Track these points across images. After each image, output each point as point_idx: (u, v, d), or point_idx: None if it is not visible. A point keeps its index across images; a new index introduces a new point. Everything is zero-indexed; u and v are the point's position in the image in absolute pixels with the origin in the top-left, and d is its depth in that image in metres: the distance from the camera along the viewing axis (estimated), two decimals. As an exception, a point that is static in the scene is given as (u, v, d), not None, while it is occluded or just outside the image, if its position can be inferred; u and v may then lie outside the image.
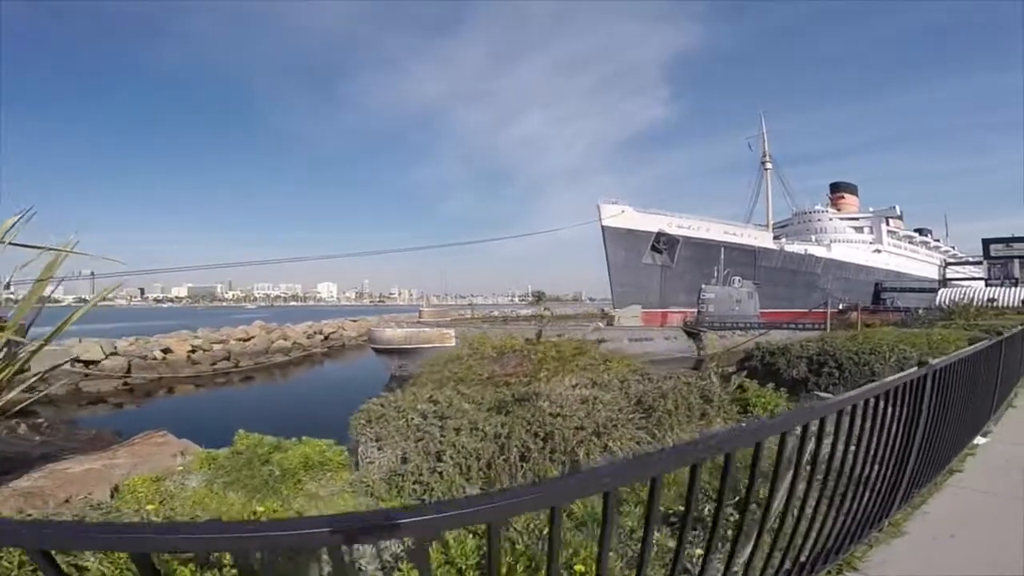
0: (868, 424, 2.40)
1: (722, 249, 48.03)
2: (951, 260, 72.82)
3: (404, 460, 4.51)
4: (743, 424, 5.29)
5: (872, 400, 2.37)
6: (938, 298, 48.55)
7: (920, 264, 72.02)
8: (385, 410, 5.28)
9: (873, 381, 8.07)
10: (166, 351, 31.75)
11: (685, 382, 5.57)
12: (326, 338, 43.35)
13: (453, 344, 26.53)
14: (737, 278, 43.79)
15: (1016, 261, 56.23)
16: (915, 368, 2.65)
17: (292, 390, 29.34)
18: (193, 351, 32.75)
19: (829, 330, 29.12)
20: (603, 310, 53.35)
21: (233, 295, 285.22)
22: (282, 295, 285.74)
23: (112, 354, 29.83)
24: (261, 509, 3.54)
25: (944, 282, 62.81)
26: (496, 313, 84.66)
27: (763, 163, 71.10)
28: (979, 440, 4.92)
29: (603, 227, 49.97)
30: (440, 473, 4.24)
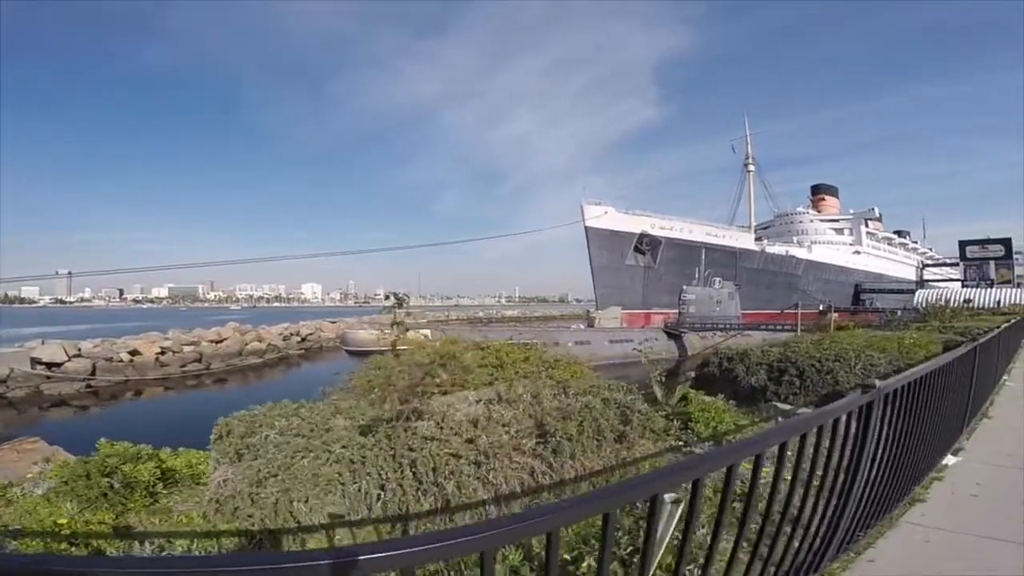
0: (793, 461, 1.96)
1: (703, 250, 48.09)
2: (928, 262, 74.03)
3: (254, 482, 3.97)
4: (687, 446, 4.81)
5: (798, 440, 1.94)
6: (916, 299, 49.14)
7: (898, 266, 73.10)
8: (238, 424, 4.74)
9: (836, 391, 7.63)
10: (133, 353, 30.74)
11: (603, 399, 5.01)
12: (303, 340, 42.43)
13: (429, 346, 26.04)
14: (718, 279, 43.80)
15: (991, 263, 57.26)
16: (859, 393, 2.22)
17: (261, 393, 28.46)
18: (163, 353, 31.76)
19: (799, 332, 28.98)
20: (588, 312, 53.14)
21: (215, 296, 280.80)
22: (265, 296, 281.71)
23: (76, 356, 28.80)
24: (63, 521, 3.25)
25: (921, 283, 63.78)
26: (481, 314, 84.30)
27: (746, 165, 71.73)
28: (949, 460, 4.50)
29: (586, 228, 49.77)
30: (257, 499, 3.70)
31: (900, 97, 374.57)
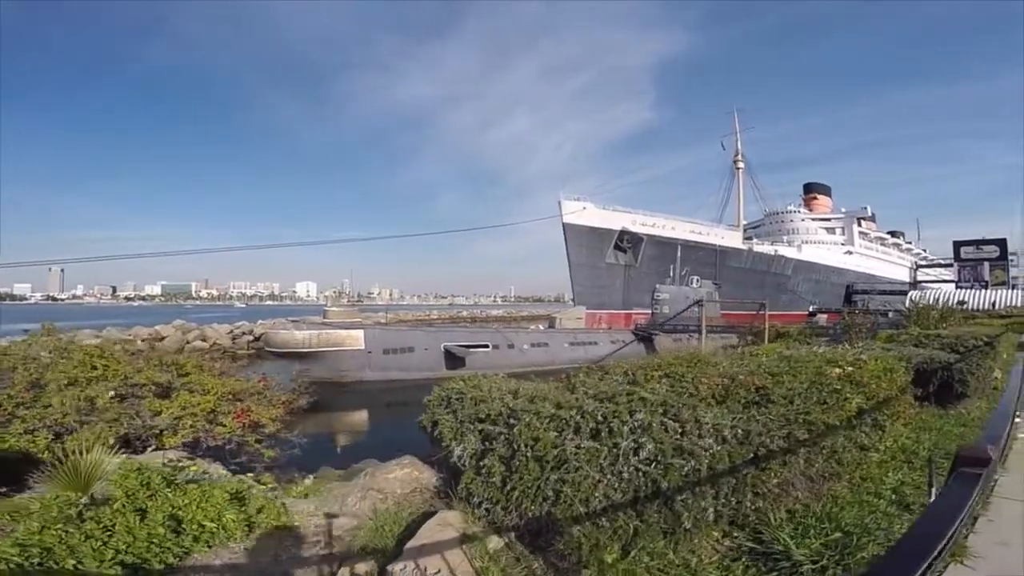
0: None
1: (679, 247, 45.92)
2: (922, 263, 71.68)
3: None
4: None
5: None
6: (907, 300, 46.91)
7: (891, 266, 70.69)
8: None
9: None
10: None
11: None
12: (257, 339, 40.14)
13: (362, 347, 23.78)
14: (696, 278, 41.40)
15: (985, 264, 55.00)
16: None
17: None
18: (90, 353, 29.55)
19: (703, 344, 25.08)
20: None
21: (208, 294, 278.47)
22: (259, 294, 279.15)
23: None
24: None
25: (915, 284, 61.53)
26: (465, 313, 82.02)
27: (735, 162, 69.19)
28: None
29: (564, 224, 47.58)
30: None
31: (890, 102, 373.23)
